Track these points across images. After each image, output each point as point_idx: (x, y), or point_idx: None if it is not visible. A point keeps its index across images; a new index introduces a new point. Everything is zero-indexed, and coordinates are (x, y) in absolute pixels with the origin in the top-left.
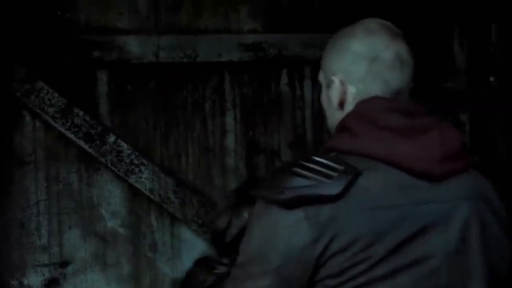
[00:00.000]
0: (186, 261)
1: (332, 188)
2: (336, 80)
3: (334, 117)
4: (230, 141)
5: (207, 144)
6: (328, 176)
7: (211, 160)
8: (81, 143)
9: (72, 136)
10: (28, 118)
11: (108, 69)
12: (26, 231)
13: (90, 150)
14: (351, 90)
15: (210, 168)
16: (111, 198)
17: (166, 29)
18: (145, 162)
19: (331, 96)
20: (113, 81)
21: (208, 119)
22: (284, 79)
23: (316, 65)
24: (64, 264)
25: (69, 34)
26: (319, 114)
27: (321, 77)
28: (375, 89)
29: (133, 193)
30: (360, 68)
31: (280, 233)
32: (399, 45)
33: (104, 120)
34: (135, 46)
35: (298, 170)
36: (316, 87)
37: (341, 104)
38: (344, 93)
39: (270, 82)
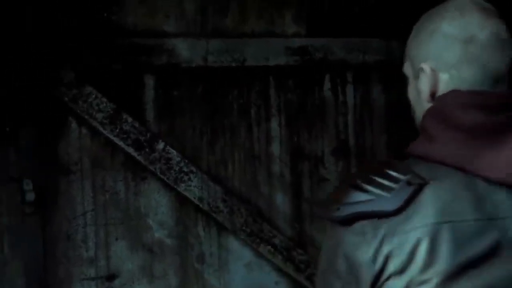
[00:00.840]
0: (234, 272)
1: (390, 203)
2: (427, 68)
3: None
4: (275, 147)
5: (253, 151)
6: (389, 189)
7: (256, 167)
8: (130, 150)
9: (121, 143)
10: (74, 124)
11: (155, 73)
12: (72, 243)
13: (139, 157)
14: (443, 77)
15: (255, 176)
16: (158, 208)
17: (213, 33)
18: (194, 169)
19: (420, 87)
20: (160, 86)
21: (253, 125)
22: (327, 84)
23: (358, 70)
24: (111, 277)
25: (116, 37)
26: (361, 119)
27: (407, 69)
28: (471, 75)
29: (180, 203)
30: (453, 52)
31: (340, 252)
32: (496, 23)
33: (151, 127)
34: (184, 50)
35: (359, 182)
36: (358, 92)
37: (433, 96)
38: (435, 83)
39: (314, 87)
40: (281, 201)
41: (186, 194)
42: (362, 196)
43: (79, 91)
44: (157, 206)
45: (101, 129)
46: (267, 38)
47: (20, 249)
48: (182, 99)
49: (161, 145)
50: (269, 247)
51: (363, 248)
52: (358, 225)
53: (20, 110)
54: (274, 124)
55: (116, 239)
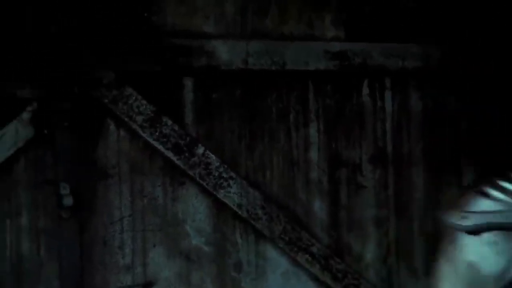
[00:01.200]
0: (271, 282)
1: None
2: None
3: None
4: (314, 153)
5: (291, 157)
6: None
7: (295, 174)
8: (170, 154)
9: (160, 147)
10: (112, 127)
11: (195, 75)
12: (109, 249)
13: (178, 162)
14: None
15: (293, 182)
16: (196, 214)
17: (252, 34)
18: (233, 175)
19: None
20: (199, 88)
21: (292, 130)
22: (365, 89)
23: (396, 76)
24: (148, 285)
25: (156, 38)
26: (399, 126)
27: None
28: None
29: (218, 209)
30: None
31: (463, 260)
32: None
33: (190, 130)
34: (224, 52)
35: (488, 190)
36: (396, 98)
37: None
38: None
39: (352, 93)
40: (319, 208)
41: (225, 200)
42: (492, 205)
43: (119, 93)
44: (195, 212)
45: (140, 132)
46: (306, 41)
47: (56, 251)
48: (221, 102)
49: (200, 150)
50: (307, 255)
51: (493, 259)
52: (487, 236)
53: (58, 112)
54: (312, 130)
55: (154, 245)
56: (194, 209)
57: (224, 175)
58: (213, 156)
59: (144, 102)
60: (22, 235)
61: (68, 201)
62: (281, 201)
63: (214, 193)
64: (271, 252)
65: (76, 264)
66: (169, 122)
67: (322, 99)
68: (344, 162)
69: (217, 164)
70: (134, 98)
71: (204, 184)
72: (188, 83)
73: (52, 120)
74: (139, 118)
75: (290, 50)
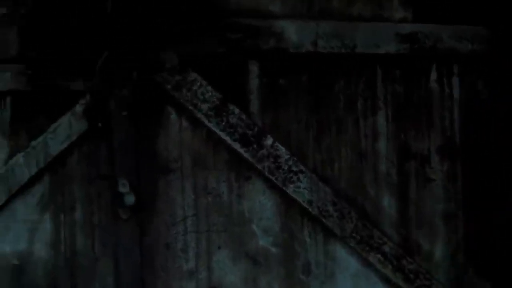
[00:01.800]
0: (341, 284)
1: None
2: None
3: None
4: (382, 144)
5: (360, 148)
6: None
7: (363, 167)
8: (237, 146)
9: (227, 138)
10: (174, 116)
11: (261, 59)
12: (172, 253)
13: (246, 155)
14: None
15: (362, 176)
16: (263, 212)
17: (319, 15)
18: (303, 169)
19: None
20: (265, 74)
21: (360, 120)
22: (433, 75)
23: (466, 61)
24: None
25: (220, 17)
26: (468, 114)
27: None
28: None
29: (286, 206)
30: None
31: None
32: None
33: (255, 119)
34: (293, 33)
35: None
36: (464, 84)
37: None
38: None
39: (421, 78)
40: (387, 203)
41: (295, 196)
42: None
43: (182, 78)
44: (262, 210)
45: (205, 121)
46: (375, 22)
47: (112, 250)
48: (287, 89)
49: (269, 141)
50: (379, 255)
51: None
52: None
53: (116, 100)
54: (381, 118)
55: (219, 247)
56: (261, 207)
57: (294, 168)
58: (282, 148)
59: (209, 88)
60: (76, 230)
61: (130, 199)
62: (350, 196)
63: (284, 188)
64: (340, 252)
65: (136, 271)
66: (236, 111)
67: (390, 85)
68: (413, 153)
69: (287, 156)
70: (198, 84)
71: (273, 178)
72: (254, 68)
73: (108, 110)
74: (204, 106)
75: (361, 32)
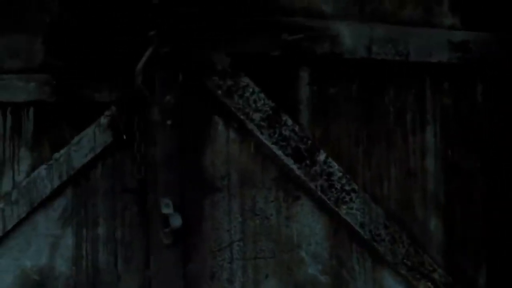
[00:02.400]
0: None
1: None
2: None
3: None
4: (430, 162)
5: (408, 166)
6: None
7: (412, 186)
8: (289, 162)
9: (279, 152)
10: (221, 127)
11: (312, 65)
12: (217, 283)
13: (298, 172)
14: None
15: (411, 196)
16: (311, 237)
17: (372, 17)
18: (356, 188)
19: None
20: (314, 81)
21: (409, 134)
22: (479, 87)
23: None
24: None
25: (272, 15)
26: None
27: None
28: None
29: (335, 229)
30: None
31: None
32: None
33: (306, 132)
34: (347, 37)
35: None
36: (503, 97)
37: None
38: None
39: (467, 91)
40: (434, 226)
41: (347, 218)
42: None
43: (234, 83)
44: (311, 234)
45: (257, 133)
46: (427, 28)
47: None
48: (337, 99)
49: (322, 156)
50: (429, 283)
51: None
52: None
53: (160, 108)
54: (429, 134)
55: (266, 276)
56: (310, 230)
57: (347, 187)
58: (335, 165)
59: (262, 96)
60: (99, 246)
61: (176, 221)
62: (399, 218)
63: (336, 209)
64: (388, 280)
65: None
66: (289, 122)
67: (439, 98)
68: (462, 171)
69: (340, 174)
70: (251, 90)
71: (326, 198)
72: (305, 74)
73: (134, 121)
74: (257, 116)
75: (414, 37)
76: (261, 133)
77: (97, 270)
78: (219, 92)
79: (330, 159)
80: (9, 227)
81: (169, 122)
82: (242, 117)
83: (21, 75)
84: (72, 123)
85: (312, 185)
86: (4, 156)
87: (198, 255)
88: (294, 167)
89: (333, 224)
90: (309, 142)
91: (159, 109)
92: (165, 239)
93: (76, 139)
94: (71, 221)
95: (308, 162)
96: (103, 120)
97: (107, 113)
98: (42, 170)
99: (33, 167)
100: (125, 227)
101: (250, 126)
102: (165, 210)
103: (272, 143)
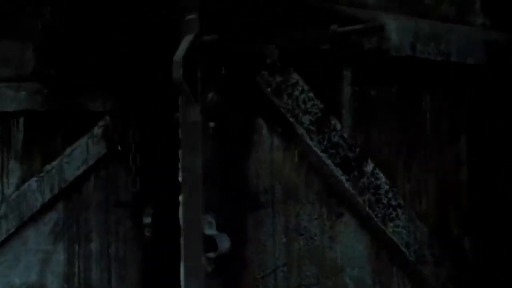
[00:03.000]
0: None
1: None
2: None
3: None
4: (463, 175)
5: (444, 180)
6: None
7: (447, 201)
8: (338, 172)
9: (328, 161)
10: (265, 131)
11: (354, 63)
12: None
13: (347, 184)
14: None
15: (446, 212)
16: (355, 259)
17: (413, 10)
18: (401, 203)
19: None
20: (356, 82)
21: (444, 144)
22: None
23: None
24: None
25: (320, 3)
26: None
27: None
28: None
29: (376, 251)
30: None
31: None
32: None
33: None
34: (393, 32)
35: None
36: None
37: None
38: None
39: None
40: (468, 246)
41: (394, 238)
42: None
43: (283, 79)
44: (354, 256)
45: (307, 139)
46: (464, 26)
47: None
48: (377, 102)
49: (369, 167)
50: None
51: None
52: None
53: (201, 107)
54: (462, 145)
55: None
56: (353, 252)
57: (393, 202)
58: (382, 176)
59: (311, 95)
60: (92, 262)
61: (224, 243)
62: (437, 237)
63: (383, 227)
64: None
65: None
66: (338, 126)
67: (474, 104)
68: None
69: (386, 187)
70: (300, 88)
71: (373, 215)
72: (347, 73)
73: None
74: (306, 119)
75: (455, 35)
76: (311, 138)
77: (89, 287)
78: (268, 89)
79: (377, 170)
80: None
81: (212, 124)
82: (291, 119)
83: (11, 84)
84: (64, 134)
85: (360, 199)
86: None
87: (241, 284)
88: (343, 178)
89: (374, 244)
90: (357, 150)
91: (200, 109)
92: (207, 265)
93: (68, 150)
94: (63, 236)
95: (356, 173)
96: (97, 130)
97: (101, 123)
98: (32, 182)
99: (23, 180)
100: (119, 242)
101: (300, 130)
102: (209, 231)
103: (322, 151)
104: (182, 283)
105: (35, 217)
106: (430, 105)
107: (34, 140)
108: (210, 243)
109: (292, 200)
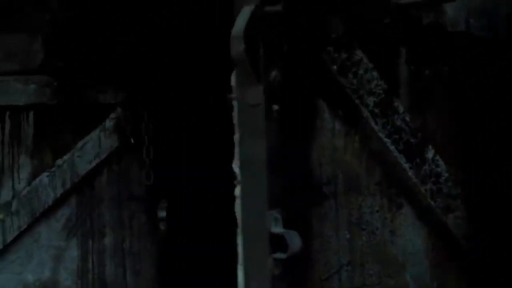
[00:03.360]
0: None
1: None
2: None
3: None
4: None
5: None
6: None
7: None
8: (402, 160)
9: (392, 147)
10: (327, 114)
11: (411, 38)
12: None
13: (410, 172)
14: None
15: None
16: (414, 255)
17: None
18: (460, 191)
19: None
20: (411, 60)
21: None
22: None
23: None
24: None
25: None
26: None
27: None
28: None
29: (432, 244)
30: None
31: None
32: None
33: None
34: (449, 6)
35: None
36: None
37: None
38: None
39: None
40: None
41: (455, 231)
42: None
43: (348, 56)
44: (413, 251)
45: (372, 123)
46: None
47: (145, 276)
48: (431, 82)
49: (430, 153)
50: None
51: None
52: None
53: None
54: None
55: None
56: (413, 247)
57: (453, 191)
58: (442, 163)
59: (375, 74)
60: (106, 258)
61: (295, 241)
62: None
63: (444, 219)
64: None
65: None
66: (401, 109)
67: None
68: None
69: (446, 175)
70: (364, 66)
71: (435, 206)
72: (403, 50)
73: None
74: (370, 100)
75: (501, 10)
76: (375, 122)
77: (104, 283)
78: (334, 67)
79: (437, 157)
80: (9, 239)
81: (275, 107)
82: (357, 101)
83: (20, 77)
84: (75, 127)
85: (422, 188)
86: (3, 164)
87: (307, 286)
88: (406, 166)
89: (432, 238)
90: (419, 135)
91: (263, 89)
92: (274, 268)
93: (79, 144)
94: (76, 232)
95: (418, 160)
96: (109, 123)
97: (112, 115)
98: (44, 177)
99: (34, 175)
100: (133, 236)
101: (365, 113)
102: (275, 228)
103: (386, 136)
104: None
105: (47, 213)
106: (476, 87)
107: (45, 134)
108: (278, 243)
109: (353, 191)
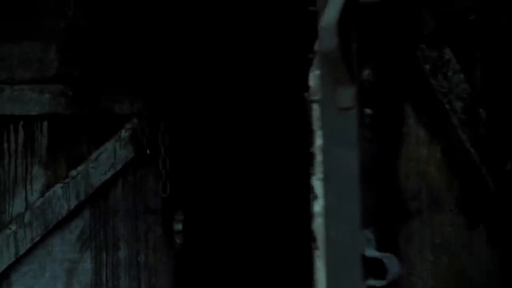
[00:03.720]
0: None
1: None
2: None
3: None
4: None
5: None
6: None
7: None
8: (483, 170)
9: (477, 159)
10: (412, 120)
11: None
12: None
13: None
14: None
15: None
16: (489, 281)
17: None
18: None
19: None
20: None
21: None
22: None
23: None
24: None
25: None
26: None
27: None
28: None
29: (501, 267)
30: None
31: None
32: None
33: None
34: None
35: None
36: None
37: None
38: None
39: None
40: None
41: None
42: None
43: (439, 55)
44: (489, 276)
45: (459, 131)
46: None
47: None
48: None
49: (509, 166)
50: None
51: None
52: None
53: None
54: None
55: None
56: (488, 272)
57: None
58: None
59: (462, 77)
60: (120, 271)
61: (394, 266)
62: None
63: None
64: None
65: None
66: (484, 116)
67: None
68: None
69: None
70: (453, 68)
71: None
72: (478, 53)
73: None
74: (458, 106)
75: None
76: (463, 131)
77: None
78: (427, 67)
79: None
80: (22, 251)
81: (368, 111)
82: (447, 106)
83: (34, 86)
84: (90, 138)
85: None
86: (16, 175)
87: None
88: (489, 179)
89: (503, 262)
90: (500, 145)
91: (356, 91)
92: None
93: (94, 155)
94: (90, 244)
95: (499, 174)
96: (124, 133)
97: (128, 126)
98: (57, 189)
99: (48, 186)
100: (148, 249)
101: (454, 120)
102: (368, 252)
103: (471, 146)
104: None
105: (61, 224)
106: None
107: (59, 144)
108: (373, 268)
109: (436, 207)
